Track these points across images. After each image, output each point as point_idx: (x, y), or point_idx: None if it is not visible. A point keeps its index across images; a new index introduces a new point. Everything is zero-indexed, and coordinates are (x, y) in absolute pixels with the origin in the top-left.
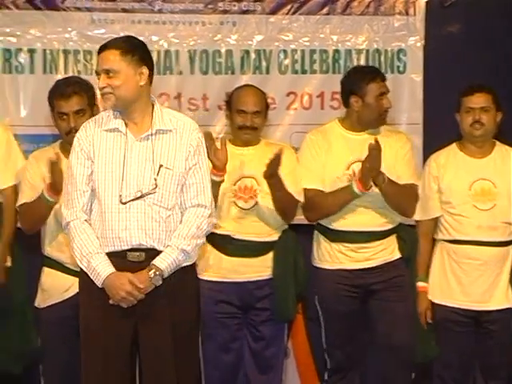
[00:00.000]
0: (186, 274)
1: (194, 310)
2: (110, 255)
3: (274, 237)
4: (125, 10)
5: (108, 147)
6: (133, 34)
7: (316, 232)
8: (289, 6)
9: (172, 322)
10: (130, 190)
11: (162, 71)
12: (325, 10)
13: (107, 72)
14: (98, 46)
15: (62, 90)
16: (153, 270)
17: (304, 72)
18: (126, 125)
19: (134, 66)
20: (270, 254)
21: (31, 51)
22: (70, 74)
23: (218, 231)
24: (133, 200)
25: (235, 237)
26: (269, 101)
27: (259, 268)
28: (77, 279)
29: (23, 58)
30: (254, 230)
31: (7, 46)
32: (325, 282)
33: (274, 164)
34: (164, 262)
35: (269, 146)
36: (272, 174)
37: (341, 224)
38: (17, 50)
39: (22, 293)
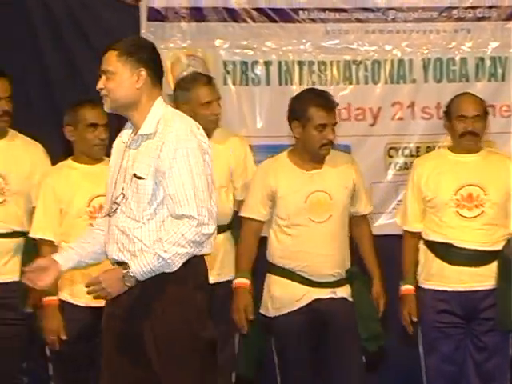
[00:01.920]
0: (166, 284)
1: (176, 323)
2: None
3: (499, 246)
4: (358, 20)
5: (113, 154)
6: (366, 44)
7: None
8: None
9: (152, 334)
10: (111, 201)
11: (395, 80)
12: None
13: (105, 73)
14: (332, 57)
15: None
16: (127, 269)
17: None
18: (134, 130)
19: (131, 67)
20: (495, 263)
21: (267, 63)
22: (305, 85)
23: (440, 239)
24: (108, 214)
25: (458, 245)
26: (504, 108)
27: (483, 277)
28: (310, 288)
29: (259, 70)
30: (478, 238)
31: (244, 58)
32: None
33: None
34: (137, 264)
35: (492, 154)
36: None
37: None
38: (253, 63)
39: None
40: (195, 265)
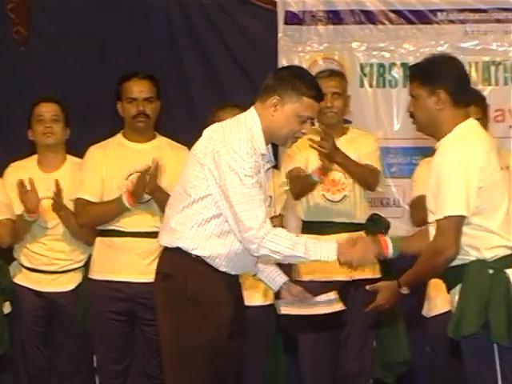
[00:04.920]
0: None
1: None
2: None
3: None
4: (498, 21)
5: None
6: (505, 45)
7: None
8: None
9: None
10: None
11: None
12: None
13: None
14: (470, 58)
15: None
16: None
17: None
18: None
19: None
20: None
21: (404, 65)
22: None
23: None
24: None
25: None
26: None
27: None
28: None
29: (396, 72)
30: None
31: (381, 60)
32: None
33: None
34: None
35: None
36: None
37: None
38: (390, 65)
39: None
40: None
